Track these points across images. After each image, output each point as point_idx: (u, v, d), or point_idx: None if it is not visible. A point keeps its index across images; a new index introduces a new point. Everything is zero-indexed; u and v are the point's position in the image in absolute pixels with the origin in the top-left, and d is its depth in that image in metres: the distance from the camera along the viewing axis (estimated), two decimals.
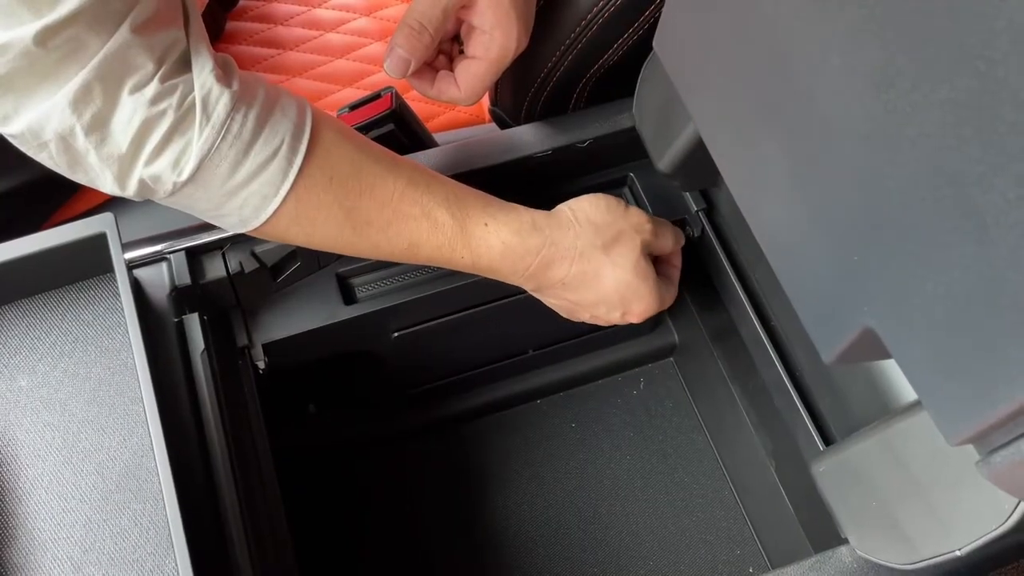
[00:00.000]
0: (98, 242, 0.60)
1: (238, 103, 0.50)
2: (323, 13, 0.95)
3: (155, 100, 0.48)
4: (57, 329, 0.61)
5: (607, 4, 0.65)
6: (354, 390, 0.85)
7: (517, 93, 0.75)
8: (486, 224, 0.60)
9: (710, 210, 0.75)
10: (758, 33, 0.43)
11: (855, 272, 0.40)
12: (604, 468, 0.91)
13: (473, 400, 0.92)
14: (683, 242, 0.70)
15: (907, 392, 0.57)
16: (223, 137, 0.50)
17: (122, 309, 0.58)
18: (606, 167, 0.76)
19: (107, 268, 0.61)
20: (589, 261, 0.62)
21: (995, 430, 0.35)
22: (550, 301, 0.66)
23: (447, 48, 0.66)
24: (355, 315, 0.70)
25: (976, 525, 0.46)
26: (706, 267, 0.78)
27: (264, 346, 0.68)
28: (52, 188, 0.76)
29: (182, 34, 0.50)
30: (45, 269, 0.61)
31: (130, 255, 0.64)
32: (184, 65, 0.50)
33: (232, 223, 0.55)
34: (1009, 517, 0.45)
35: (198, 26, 0.51)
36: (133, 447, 0.57)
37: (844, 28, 0.37)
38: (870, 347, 0.41)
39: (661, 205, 0.75)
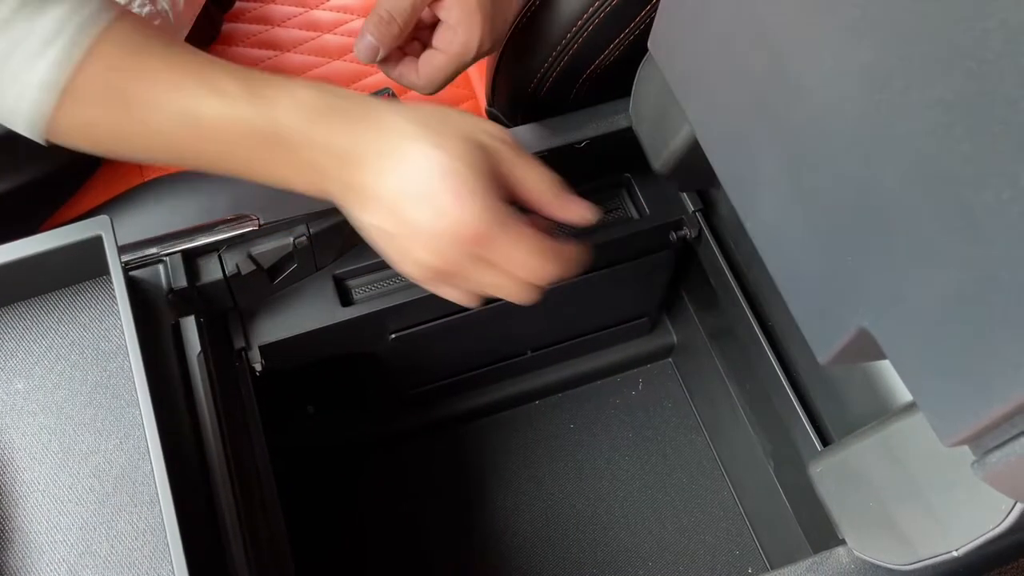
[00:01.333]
0: (94, 245, 0.60)
1: None
2: (321, 15, 0.94)
3: None
4: (53, 332, 0.61)
5: (602, 5, 0.65)
6: (352, 391, 0.85)
7: (513, 94, 0.75)
8: (282, 84, 0.52)
9: (708, 211, 0.75)
10: (751, 34, 0.43)
11: (849, 273, 0.40)
12: (603, 468, 0.91)
13: (471, 401, 0.92)
14: (547, 185, 0.53)
15: (904, 393, 0.57)
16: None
17: (119, 312, 0.58)
18: (603, 168, 0.76)
19: (103, 271, 0.61)
20: (405, 139, 0.50)
21: (989, 431, 0.35)
22: (367, 221, 0.53)
23: (425, 37, 0.66)
24: (352, 317, 0.70)
25: (973, 526, 0.46)
26: (704, 268, 0.78)
27: (261, 348, 0.68)
28: (47, 191, 0.76)
29: None
30: (41, 272, 0.61)
31: (126, 257, 0.64)
32: None
33: (21, 122, 0.52)
34: (1006, 518, 0.44)
35: None
36: (130, 450, 0.57)
37: (837, 28, 0.37)
38: (865, 348, 0.41)
39: (658, 206, 0.75)
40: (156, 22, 0.75)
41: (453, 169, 0.49)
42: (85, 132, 0.54)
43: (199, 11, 0.82)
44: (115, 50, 0.52)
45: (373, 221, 0.53)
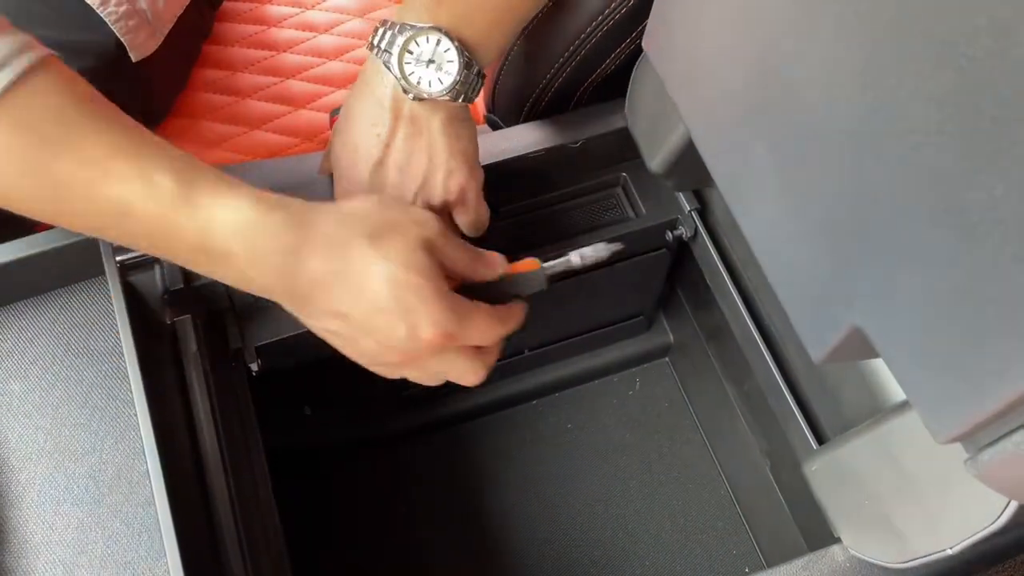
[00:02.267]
0: (90, 245, 0.60)
1: None
2: (316, 15, 0.95)
3: None
4: (50, 332, 0.61)
5: (605, 18, 0.65)
6: (349, 391, 0.85)
7: (515, 101, 0.75)
8: (219, 192, 0.48)
9: (703, 210, 0.75)
10: (743, 33, 0.43)
11: (842, 271, 0.40)
12: (599, 468, 0.91)
13: (469, 401, 0.92)
14: (499, 271, 0.56)
15: (899, 391, 0.57)
16: None
17: (114, 312, 0.58)
18: (599, 167, 0.76)
19: (100, 271, 0.61)
20: (351, 252, 0.49)
21: (982, 428, 0.35)
22: (319, 327, 0.53)
23: None
24: None
25: (967, 523, 0.46)
26: (700, 267, 0.78)
27: (257, 348, 0.68)
28: None
29: None
30: (38, 272, 0.61)
31: (121, 258, 0.64)
32: None
33: None
34: (1000, 516, 0.44)
35: None
36: (125, 450, 0.57)
37: (829, 26, 0.37)
38: (859, 346, 0.41)
39: (654, 205, 0.75)
40: (132, 22, 0.74)
41: (407, 282, 0.49)
42: None
43: (181, 10, 0.82)
44: (31, 113, 0.47)
45: (329, 327, 0.53)
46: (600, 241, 0.66)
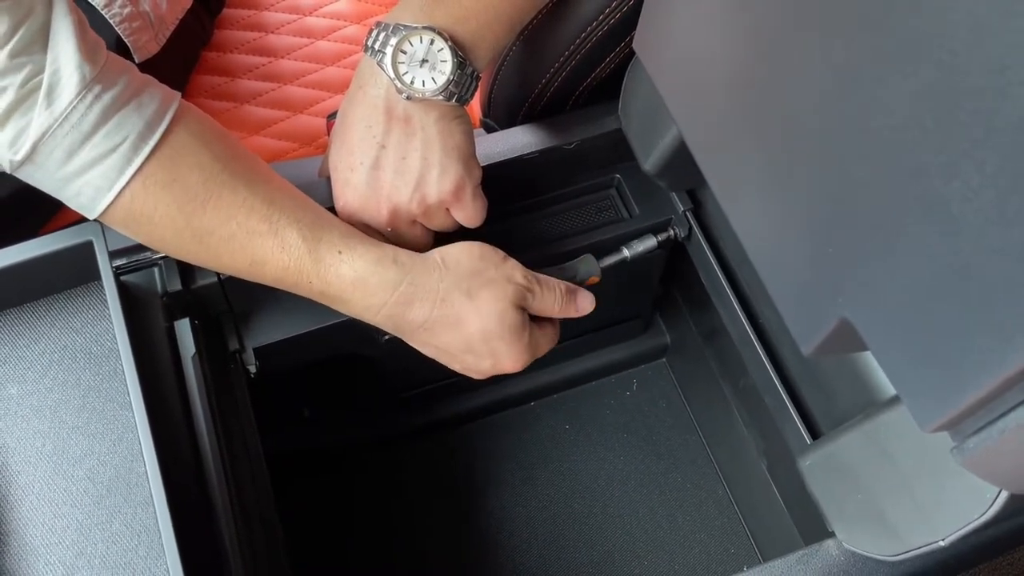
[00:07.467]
0: (85, 250, 0.61)
1: (86, 91, 0.50)
2: (314, 21, 0.95)
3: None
4: (46, 337, 0.62)
5: (600, 23, 0.65)
6: (347, 393, 0.86)
7: (511, 106, 0.76)
8: (340, 252, 0.57)
9: (698, 210, 0.75)
10: (729, 33, 0.44)
11: (829, 264, 0.41)
12: (598, 469, 0.92)
13: (467, 403, 0.92)
14: (559, 305, 0.64)
15: (891, 385, 0.57)
16: (60, 124, 0.49)
17: (111, 316, 0.59)
18: (593, 168, 0.76)
19: (96, 275, 0.61)
20: (451, 306, 0.58)
21: (967, 417, 0.35)
22: (418, 347, 0.63)
23: None
24: (346, 319, 0.70)
25: (959, 515, 0.46)
26: (695, 267, 0.78)
27: (255, 350, 0.68)
28: (40, 198, 0.76)
29: (40, 6, 0.49)
30: (34, 278, 0.62)
31: (120, 261, 0.64)
32: (39, 40, 0.49)
33: (76, 207, 0.54)
34: (990, 507, 0.45)
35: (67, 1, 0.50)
36: (123, 452, 0.58)
37: (811, 26, 0.37)
38: (848, 338, 0.42)
39: (648, 206, 0.75)
40: (136, 23, 0.75)
41: (496, 333, 0.59)
42: (137, 235, 0.57)
43: (183, 14, 0.82)
44: (179, 171, 0.53)
45: (426, 351, 0.63)
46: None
